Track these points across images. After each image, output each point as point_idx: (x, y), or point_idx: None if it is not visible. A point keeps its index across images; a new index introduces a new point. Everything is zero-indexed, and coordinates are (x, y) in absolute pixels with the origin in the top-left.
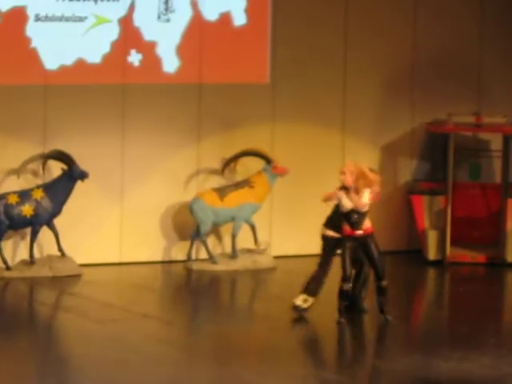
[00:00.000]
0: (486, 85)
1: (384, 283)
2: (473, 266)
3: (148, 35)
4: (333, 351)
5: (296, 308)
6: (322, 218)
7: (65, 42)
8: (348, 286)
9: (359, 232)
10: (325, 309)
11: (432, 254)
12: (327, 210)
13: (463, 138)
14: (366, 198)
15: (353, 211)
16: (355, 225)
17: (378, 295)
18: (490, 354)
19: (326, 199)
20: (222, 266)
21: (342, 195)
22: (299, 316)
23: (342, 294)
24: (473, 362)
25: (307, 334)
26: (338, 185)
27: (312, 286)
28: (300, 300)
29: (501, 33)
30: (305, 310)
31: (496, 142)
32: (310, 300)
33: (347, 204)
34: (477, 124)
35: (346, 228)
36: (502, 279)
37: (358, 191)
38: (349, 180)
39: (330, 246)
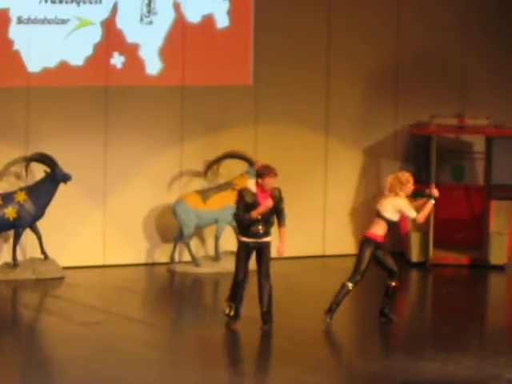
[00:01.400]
0: (469, 87)
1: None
2: (456, 267)
3: (131, 37)
4: (315, 353)
5: (225, 315)
6: (306, 221)
7: (47, 45)
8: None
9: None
10: (306, 312)
11: (415, 255)
12: (310, 212)
13: (446, 140)
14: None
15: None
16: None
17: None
18: (473, 356)
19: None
20: (205, 269)
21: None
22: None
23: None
24: (456, 364)
25: (290, 336)
26: (323, 189)
27: (232, 293)
28: (227, 308)
29: (483, 35)
30: (230, 316)
31: (479, 144)
32: (233, 307)
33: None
34: (460, 126)
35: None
36: (485, 281)
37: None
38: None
39: (244, 251)
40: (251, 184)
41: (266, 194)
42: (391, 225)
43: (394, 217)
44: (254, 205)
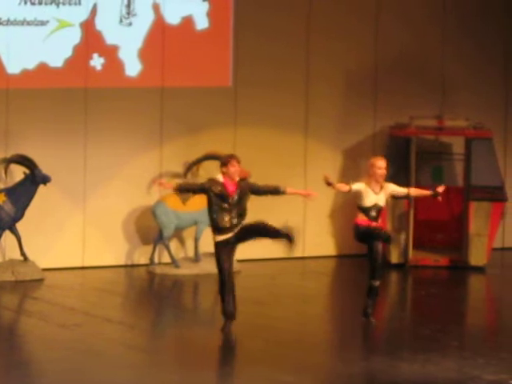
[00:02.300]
0: (449, 88)
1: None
2: (435, 269)
3: (110, 39)
4: (295, 354)
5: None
6: (285, 222)
7: (27, 46)
8: (376, 282)
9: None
10: (286, 313)
11: (394, 257)
12: (290, 214)
13: (425, 142)
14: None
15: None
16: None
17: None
18: (452, 357)
19: None
20: (185, 270)
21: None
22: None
23: (372, 290)
24: (435, 365)
25: (270, 337)
26: (303, 188)
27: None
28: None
29: (463, 37)
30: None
31: (458, 146)
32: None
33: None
34: (439, 127)
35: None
36: (465, 282)
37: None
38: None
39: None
40: (219, 175)
41: (233, 184)
42: (365, 210)
43: (359, 200)
44: (223, 195)
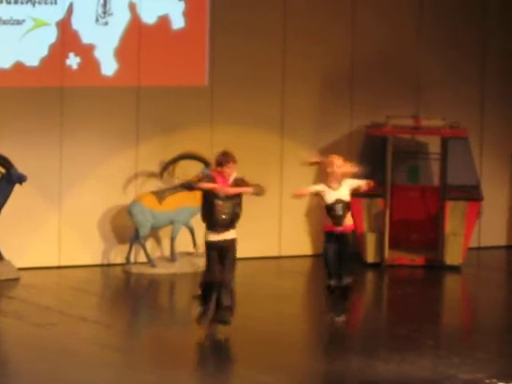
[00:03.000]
0: (425, 87)
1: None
2: (411, 268)
3: (86, 38)
4: (271, 354)
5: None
6: (262, 222)
7: (2, 45)
8: (333, 282)
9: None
10: (262, 313)
11: (370, 256)
12: (266, 213)
13: (402, 141)
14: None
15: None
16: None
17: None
18: (428, 356)
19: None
20: (161, 269)
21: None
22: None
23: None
24: (411, 364)
25: (246, 337)
26: (279, 189)
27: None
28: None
29: (439, 36)
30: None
31: (434, 145)
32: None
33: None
34: (415, 127)
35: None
36: (441, 281)
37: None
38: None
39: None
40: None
41: (226, 182)
42: (329, 209)
43: (322, 201)
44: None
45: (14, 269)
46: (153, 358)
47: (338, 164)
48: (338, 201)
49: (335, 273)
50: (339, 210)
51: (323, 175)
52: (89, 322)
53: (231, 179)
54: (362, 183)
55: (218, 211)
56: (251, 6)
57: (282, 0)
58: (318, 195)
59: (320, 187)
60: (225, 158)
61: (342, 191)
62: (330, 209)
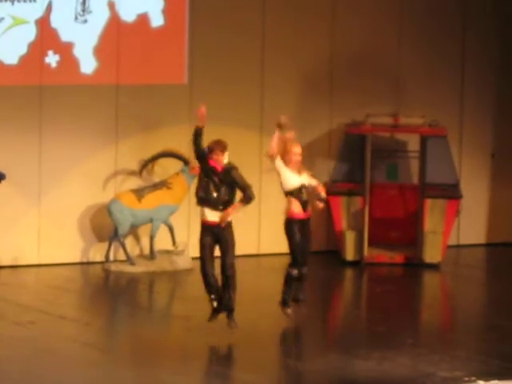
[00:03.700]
0: (404, 86)
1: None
2: (390, 266)
3: (65, 36)
4: (251, 352)
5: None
6: (241, 220)
7: None
8: (295, 271)
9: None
10: (241, 311)
11: (350, 254)
12: (245, 211)
13: (381, 139)
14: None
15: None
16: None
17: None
18: (407, 354)
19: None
20: (140, 268)
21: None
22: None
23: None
24: (391, 362)
25: (225, 335)
26: (258, 187)
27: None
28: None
29: (419, 34)
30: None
31: (413, 143)
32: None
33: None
34: (394, 125)
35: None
36: (420, 279)
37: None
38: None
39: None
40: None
41: (220, 166)
42: (294, 192)
43: (285, 185)
44: (212, 168)
45: None
46: (132, 355)
47: (297, 152)
48: (303, 186)
49: (302, 260)
50: (304, 195)
51: (285, 162)
52: (68, 320)
53: (221, 166)
54: (317, 184)
55: (213, 189)
56: (230, 2)
57: None
58: (284, 152)
59: (284, 168)
60: (213, 146)
61: (303, 178)
62: (296, 193)
